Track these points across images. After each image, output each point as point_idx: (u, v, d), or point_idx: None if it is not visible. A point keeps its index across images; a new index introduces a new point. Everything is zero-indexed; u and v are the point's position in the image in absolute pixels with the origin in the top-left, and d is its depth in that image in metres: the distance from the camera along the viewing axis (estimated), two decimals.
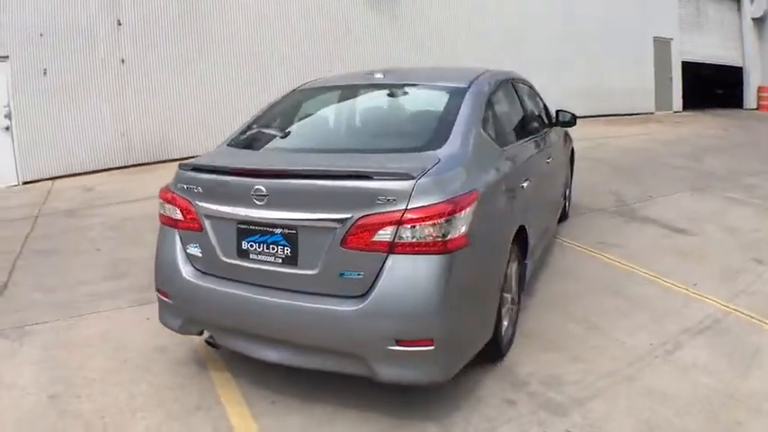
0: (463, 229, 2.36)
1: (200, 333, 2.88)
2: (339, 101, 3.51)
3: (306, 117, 3.37)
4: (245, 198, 2.50)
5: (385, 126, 3.12)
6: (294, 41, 10.05)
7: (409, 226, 2.26)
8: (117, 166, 8.92)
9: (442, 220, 2.28)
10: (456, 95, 3.05)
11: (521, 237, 3.19)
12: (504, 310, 2.98)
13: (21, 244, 5.47)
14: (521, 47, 12.24)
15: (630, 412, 2.58)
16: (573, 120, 4.76)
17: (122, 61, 8.93)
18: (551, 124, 4.65)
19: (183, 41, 9.19)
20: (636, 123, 12.60)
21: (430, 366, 2.35)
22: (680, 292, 3.86)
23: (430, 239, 2.27)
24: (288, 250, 2.50)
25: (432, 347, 2.31)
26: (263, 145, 3.04)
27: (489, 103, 3.19)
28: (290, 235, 2.48)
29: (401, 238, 2.27)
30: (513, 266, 3.07)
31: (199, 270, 2.75)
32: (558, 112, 4.74)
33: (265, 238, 2.53)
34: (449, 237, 2.30)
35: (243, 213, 2.53)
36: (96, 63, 8.68)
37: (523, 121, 3.84)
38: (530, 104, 4.09)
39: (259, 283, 2.58)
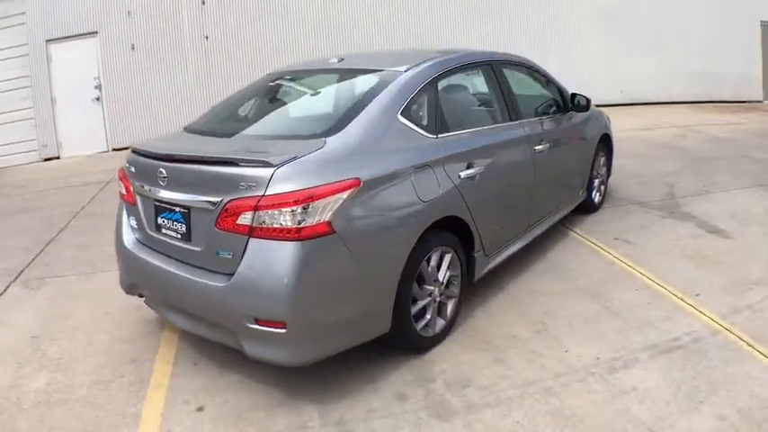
0: (324, 218, 2.29)
1: (141, 296, 3.08)
2: (279, 87, 3.47)
3: (246, 102, 3.37)
4: (155, 179, 2.68)
5: (301, 112, 3.04)
6: (371, 16, 9.90)
7: (265, 212, 2.27)
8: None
9: (298, 207, 2.25)
10: (384, 81, 2.93)
11: (460, 229, 2.98)
12: (423, 304, 2.82)
13: (82, 206, 6.09)
14: (620, 29, 11.05)
15: (519, 430, 2.26)
16: (587, 105, 4.29)
17: (206, 38, 9.41)
18: (564, 109, 4.21)
19: (260, 18, 9.44)
20: (740, 112, 10.83)
21: (283, 348, 2.36)
22: (673, 301, 3.31)
23: (284, 226, 2.26)
24: (184, 227, 2.64)
25: (284, 330, 2.31)
26: (200, 129, 3.11)
27: (429, 88, 3.00)
28: (185, 214, 2.61)
29: (259, 222, 2.29)
30: (437, 259, 2.86)
31: (137, 240, 2.98)
32: (573, 96, 4.24)
33: (170, 215, 2.69)
34: (304, 224, 2.27)
35: (155, 192, 2.72)
36: (181, 39, 9.25)
37: (497, 106, 3.52)
38: (517, 88, 3.67)
39: (168, 254, 2.76)
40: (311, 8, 9.63)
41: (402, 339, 2.76)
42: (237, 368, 2.82)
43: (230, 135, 2.91)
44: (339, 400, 2.56)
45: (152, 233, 2.81)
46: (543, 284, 3.61)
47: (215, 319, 2.52)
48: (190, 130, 3.13)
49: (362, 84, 3.01)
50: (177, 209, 2.62)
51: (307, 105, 3.06)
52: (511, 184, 3.44)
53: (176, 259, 2.68)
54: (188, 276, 2.55)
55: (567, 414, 2.37)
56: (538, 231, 3.89)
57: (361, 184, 2.40)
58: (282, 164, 2.30)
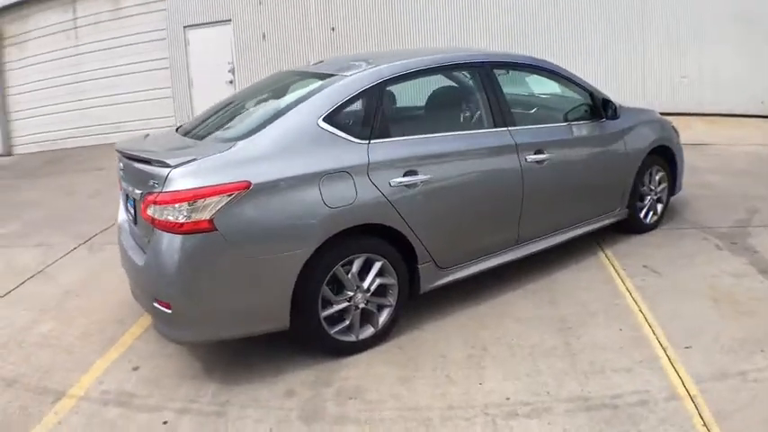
0: (206, 216, 2.40)
1: None
2: (261, 90, 3.47)
3: (228, 105, 3.41)
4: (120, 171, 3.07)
5: (250, 115, 3.04)
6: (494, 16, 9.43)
7: (161, 206, 2.45)
8: None
9: (183, 204, 2.40)
10: (322, 86, 2.91)
11: (399, 239, 2.86)
12: (339, 308, 2.77)
13: None
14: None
15: None
16: (615, 112, 3.76)
17: (332, 29, 9.85)
18: (592, 116, 3.71)
19: (388, 12, 9.52)
20: None
21: (171, 326, 2.58)
22: (652, 350, 2.75)
23: (171, 220, 2.42)
24: (134, 213, 2.96)
25: (170, 311, 2.52)
26: (185, 131, 3.24)
27: (370, 93, 2.89)
28: (135, 202, 2.89)
29: (158, 215, 2.47)
30: (361, 265, 2.76)
31: (128, 221, 3.34)
32: (605, 102, 3.72)
33: (130, 202, 3.04)
34: (187, 220, 2.40)
35: (123, 182, 3.08)
36: (308, 30, 9.80)
37: (470, 111, 3.23)
38: (517, 93, 3.26)
39: (130, 234, 3.12)
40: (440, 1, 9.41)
41: (311, 339, 2.76)
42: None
43: (203, 138, 3.01)
44: (237, 384, 2.67)
45: (128, 216, 3.18)
46: (520, 306, 3.26)
47: (142, 296, 2.80)
48: (180, 131, 3.31)
49: (304, 88, 2.99)
50: (130, 197, 2.95)
51: (260, 109, 3.09)
52: (482, 195, 3.15)
53: (132, 239, 3.03)
54: (131, 254, 2.86)
55: None
56: (537, 247, 3.50)
57: (252, 186, 2.46)
58: (178, 165, 2.47)
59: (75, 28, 9.93)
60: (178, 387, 2.69)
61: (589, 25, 8.88)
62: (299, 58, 9.65)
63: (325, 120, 2.73)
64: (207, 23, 9.82)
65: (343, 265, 2.73)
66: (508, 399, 2.45)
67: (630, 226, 4.16)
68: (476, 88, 3.26)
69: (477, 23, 9.16)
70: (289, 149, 2.62)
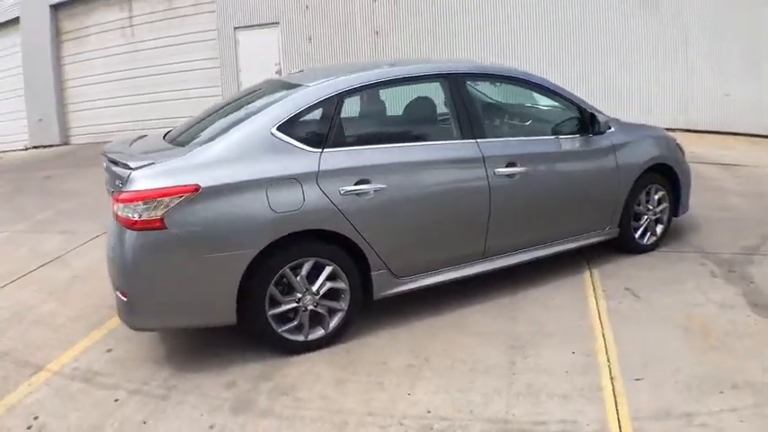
0: (157, 215, 2.58)
1: None
2: (238, 98, 3.60)
3: (209, 112, 3.51)
4: None
5: (221, 123, 3.13)
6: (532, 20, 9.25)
7: (122, 204, 2.65)
8: None
9: (138, 204, 2.60)
10: (285, 95, 3.04)
11: (351, 246, 2.94)
12: (286, 308, 2.88)
13: None
14: None
15: None
16: (600, 127, 3.63)
17: (376, 33, 10.00)
18: (578, 130, 3.61)
19: (431, 17, 9.52)
20: None
21: (128, 313, 2.77)
22: (596, 378, 2.64)
23: (129, 217, 2.63)
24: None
25: (126, 300, 2.73)
26: (171, 138, 3.32)
27: (328, 103, 2.99)
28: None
29: (120, 212, 2.68)
30: (309, 268, 2.86)
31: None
32: (592, 116, 3.61)
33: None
34: (139, 218, 2.60)
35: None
36: (353, 34, 9.98)
37: (434, 122, 3.26)
38: (490, 104, 3.23)
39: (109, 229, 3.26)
40: (483, 6, 9.35)
41: (259, 336, 2.89)
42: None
43: (181, 143, 3.12)
44: (189, 371, 2.85)
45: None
46: (479, 321, 3.23)
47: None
48: (167, 136, 3.42)
49: (270, 98, 3.12)
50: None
51: (231, 117, 3.19)
52: (442, 207, 3.15)
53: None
54: (107, 247, 3.03)
55: None
56: (509, 262, 3.46)
57: (201, 190, 2.63)
58: (138, 168, 2.67)
59: (132, 26, 10.65)
60: (137, 369, 2.90)
61: (637, 41, 8.56)
62: (343, 60, 9.86)
63: (279, 129, 2.85)
64: (256, 25, 10.22)
65: (292, 268, 2.84)
66: (429, 412, 2.46)
67: (624, 246, 4.00)
68: (443, 100, 3.27)
69: (524, 24, 9.02)
70: (241, 156, 2.77)
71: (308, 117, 2.96)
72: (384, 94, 3.29)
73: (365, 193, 2.90)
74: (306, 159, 2.84)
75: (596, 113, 3.64)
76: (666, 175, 4.07)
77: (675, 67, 8.44)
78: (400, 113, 3.40)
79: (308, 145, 2.88)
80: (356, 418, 2.44)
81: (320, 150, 2.89)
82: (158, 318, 2.76)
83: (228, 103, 3.52)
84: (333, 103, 2.98)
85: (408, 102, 3.39)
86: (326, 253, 2.88)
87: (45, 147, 11.30)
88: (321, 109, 2.98)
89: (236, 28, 10.31)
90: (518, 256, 3.49)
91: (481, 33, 9.21)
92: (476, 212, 3.24)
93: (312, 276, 2.90)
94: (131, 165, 2.69)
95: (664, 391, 2.54)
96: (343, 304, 2.99)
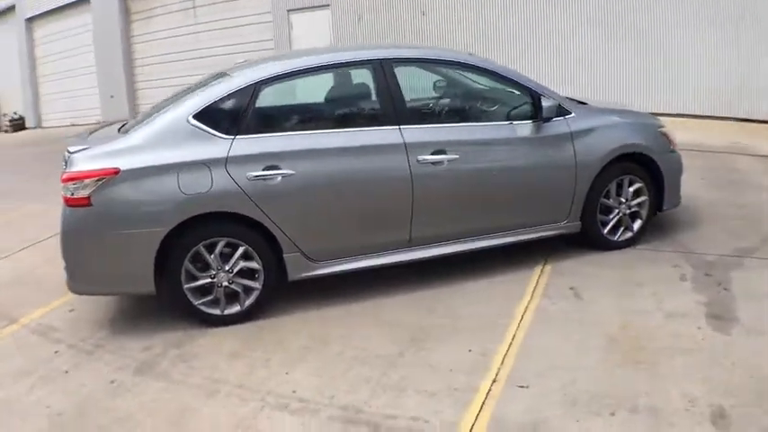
0: (82, 193, 2.90)
1: None
2: (185, 89, 3.67)
3: (161, 102, 3.64)
4: None
5: (158, 112, 3.29)
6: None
7: (63, 184, 2.99)
8: None
9: (71, 183, 2.94)
10: (209, 84, 3.22)
11: (260, 227, 3.08)
12: (202, 283, 3.10)
13: None
14: None
15: (152, 404, 2.50)
16: (548, 113, 3.39)
17: (423, 14, 9.88)
18: (527, 116, 3.44)
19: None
20: None
21: (68, 280, 3.13)
22: (477, 380, 2.56)
23: (66, 195, 2.98)
24: None
25: (65, 267, 3.10)
26: (125, 127, 3.51)
27: (244, 92, 3.13)
28: None
29: (62, 191, 3.02)
30: (222, 247, 3.06)
31: None
32: (539, 98, 3.39)
33: None
34: (71, 196, 2.95)
35: None
36: (401, 13, 9.93)
37: (353, 109, 3.31)
38: (424, 89, 3.19)
39: None
40: None
41: (180, 308, 3.15)
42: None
43: (127, 132, 3.32)
44: (121, 333, 3.20)
45: None
46: (394, 310, 3.24)
47: None
48: (122, 128, 3.56)
49: (200, 86, 3.30)
50: None
51: (168, 107, 3.32)
52: (358, 193, 3.17)
53: None
54: None
55: (186, 414, 2.46)
56: (440, 252, 3.41)
57: (120, 172, 2.90)
58: (75, 152, 2.99)
59: (194, 7, 11.34)
60: (83, 328, 3.30)
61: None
62: (390, 39, 9.86)
63: (195, 117, 3.04)
64: (308, 7, 10.48)
65: (207, 246, 3.05)
66: (294, 392, 2.57)
67: (591, 242, 3.75)
68: (367, 86, 3.25)
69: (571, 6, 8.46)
70: (161, 143, 3.01)
71: (224, 106, 3.11)
72: (309, 81, 3.33)
73: (272, 178, 3.02)
74: (217, 146, 3.01)
75: (546, 98, 3.40)
76: (646, 166, 3.74)
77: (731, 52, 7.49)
78: (321, 100, 3.44)
79: (221, 132, 3.04)
80: (227, 389, 2.61)
81: (232, 137, 3.04)
82: (91, 285, 3.11)
83: (178, 94, 3.73)
84: (249, 93, 3.11)
85: (331, 88, 3.42)
86: (237, 234, 3.05)
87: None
88: (237, 98, 3.12)
89: (289, 10, 10.64)
90: (451, 247, 3.42)
91: (529, 9, 8.73)
92: (396, 200, 3.22)
93: (228, 255, 3.10)
94: (70, 149, 3.03)
95: (544, 403, 2.40)
96: (258, 284, 3.16)
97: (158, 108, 3.48)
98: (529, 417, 2.32)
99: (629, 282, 3.40)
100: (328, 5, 10.27)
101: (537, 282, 3.46)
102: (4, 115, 14.89)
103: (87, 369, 2.88)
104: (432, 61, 3.56)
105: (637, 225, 3.81)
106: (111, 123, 3.88)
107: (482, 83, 3.60)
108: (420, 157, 3.20)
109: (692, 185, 4.99)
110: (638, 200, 3.77)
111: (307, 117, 3.45)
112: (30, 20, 14.21)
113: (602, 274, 3.51)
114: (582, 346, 2.78)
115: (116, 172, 2.90)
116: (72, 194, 2.92)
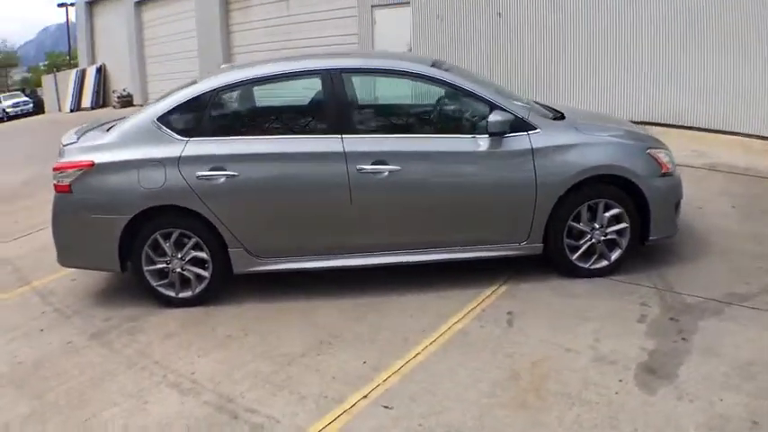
0: (65, 182, 3.44)
1: None
2: (169, 91, 3.99)
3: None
4: None
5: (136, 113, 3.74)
6: None
7: (54, 172, 3.54)
8: None
9: (57, 172, 3.49)
10: (178, 90, 3.59)
11: (203, 221, 3.41)
12: (159, 267, 3.52)
13: None
14: None
15: (88, 366, 2.96)
16: (498, 128, 3.25)
17: (499, 15, 9.61)
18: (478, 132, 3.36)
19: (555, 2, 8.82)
20: None
21: (57, 255, 3.68)
22: (347, 391, 2.64)
23: (54, 182, 3.52)
24: None
25: (54, 243, 3.67)
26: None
27: (202, 99, 3.46)
28: None
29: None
30: (176, 237, 3.43)
31: None
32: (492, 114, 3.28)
33: None
34: (58, 183, 3.49)
35: None
36: (477, 14, 9.73)
37: (299, 117, 3.51)
38: (372, 100, 3.27)
39: None
40: None
41: (143, 287, 3.59)
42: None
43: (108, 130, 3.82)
44: (98, 304, 3.73)
45: None
46: (324, 313, 3.37)
47: None
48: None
49: (173, 91, 3.67)
50: None
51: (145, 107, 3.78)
52: (297, 198, 3.36)
53: None
54: None
55: (105, 378, 2.84)
56: (383, 261, 3.48)
57: (94, 165, 3.40)
58: (66, 145, 3.55)
59: (287, 0, 12.06)
60: (73, 296, 3.90)
61: None
62: (468, 41, 9.72)
63: (158, 119, 3.45)
64: (391, 4, 10.67)
65: (164, 235, 3.45)
66: (192, 374, 2.89)
67: (558, 266, 3.54)
68: (314, 95, 3.40)
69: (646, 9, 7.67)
70: (129, 141, 3.46)
71: (183, 110, 3.49)
72: (263, 90, 3.60)
73: (216, 178, 3.32)
74: (173, 146, 3.39)
75: (499, 112, 3.28)
76: (628, 190, 3.42)
77: None
78: (270, 108, 3.62)
79: (178, 134, 3.42)
80: (145, 363, 3.01)
81: (187, 139, 3.40)
82: (72, 260, 3.69)
83: (162, 96, 4.10)
84: (204, 99, 3.46)
85: (281, 97, 3.59)
86: (189, 227, 3.42)
87: None
88: (194, 104, 3.48)
89: (373, 6, 10.89)
90: (395, 257, 3.46)
91: (604, 12, 8.04)
92: (335, 207, 3.35)
93: (183, 245, 3.47)
94: (63, 142, 3.60)
95: (396, 427, 2.42)
96: (207, 273, 3.50)
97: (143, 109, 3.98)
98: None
99: (578, 314, 3.18)
100: (409, 3, 10.37)
101: (481, 302, 3.38)
102: (114, 92, 16.79)
103: (58, 330, 3.47)
104: (381, 71, 3.63)
105: (615, 254, 3.51)
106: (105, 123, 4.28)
107: (444, 94, 3.55)
108: (359, 167, 3.29)
109: (718, 213, 4.46)
110: (617, 227, 3.47)
111: (255, 124, 3.71)
112: (138, 3, 15.96)
113: (554, 303, 3.33)
114: (476, 378, 2.71)
115: (91, 165, 3.41)
116: (58, 182, 3.49)
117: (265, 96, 3.75)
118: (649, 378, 2.62)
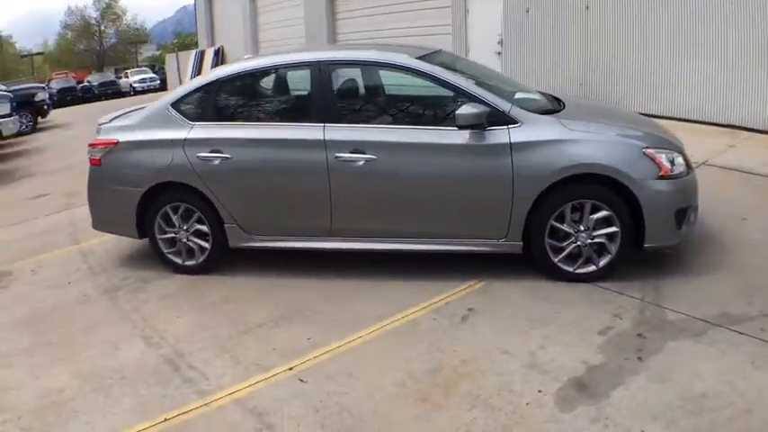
0: (97, 156, 4.07)
1: None
2: None
3: None
4: None
5: None
6: None
7: (88, 148, 4.18)
8: None
9: (91, 148, 4.11)
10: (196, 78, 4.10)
11: (203, 197, 3.79)
12: (169, 237, 3.97)
13: None
14: None
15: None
16: (468, 120, 3.21)
17: (586, 7, 9.06)
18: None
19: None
20: None
21: (92, 220, 4.30)
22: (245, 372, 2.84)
23: (89, 157, 4.14)
24: None
25: (89, 209, 4.30)
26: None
27: (209, 88, 3.86)
28: None
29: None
30: (184, 211, 3.86)
31: None
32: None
33: None
34: (91, 157, 4.12)
35: None
36: (565, 7, 9.24)
37: (285, 106, 3.79)
38: (354, 91, 3.65)
39: None
40: None
41: (156, 253, 4.08)
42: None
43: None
44: (122, 265, 4.30)
45: None
46: (305, 291, 3.56)
47: None
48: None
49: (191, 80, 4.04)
50: None
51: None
52: (282, 181, 3.61)
53: None
54: None
55: (100, 326, 3.33)
56: (361, 246, 3.62)
57: (118, 143, 3.96)
58: (101, 125, 4.17)
59: None
60: (106, 257, 4.52)
61: None
62: (555, 33, 9.32)
63: (172, 105, 3.92)
64: None
65: (173, 208, 3.91)
66: (164, 330, 3.29)
67: (541, 267, 3.40)
68: (303, 86, 3.64)
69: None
70: (147, 123, 3.98)
71: (192, 97, 3.93)
72: (262, 80, 3.94)
73: (213, 159, 3.70)
74: (181, 130, 3.83)
75: (471, 104, 3.23)
76: (619, 191, 3.18)
77: None
78: (265, 97, 3.92)
79: (187, 119, 3.86)
80: (135, 318, 3.50)
81: (193, 124, 3.82)
82: (102, 225, 4.29)
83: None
84: (210, 88, 3.88)
85: (274, 87, 3.89)
86: (193, 202, 3.84)
87: None
88: (201, 92, 3.91)
89: None
90: (372, 244, 3.59)
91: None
92: (316, 192, 3.56)
93: (188, 218, 3.90)
94: (99, 122, 4.22)
95: (301, 399, 2.57)
96: (208, 245, 3.91)
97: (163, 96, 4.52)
98: (276, 403, 2.57)
99: (539, 318, 3.07)
100: None
101: (450, 296, 3.38)
102: None
103: (82, 284, 4.12)
104: (366, 63, 3.80)
105: (604, 260, 3.29)
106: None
107: (425, 86, 3.53)
108: (338, 155, 3.46)
109: (760, 226, 3.94)
110: (605, 230, 3.25)
111: (250, 111, 4.01)
112: None
113: (522, 304, 3.23)
114: (397, 367, 2.76)
115: (115, 143, 3.99)
116: (92, 156, 4.12)
117: (261, 86, 4.08)
118: (574, 394, 2.48)
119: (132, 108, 4.61)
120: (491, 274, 3.55)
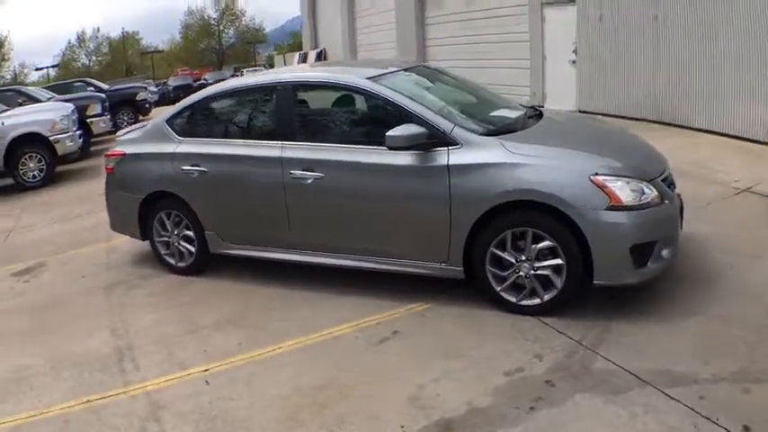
0: (111, 165, 4.72)
1: None
2: None
3: None
4: None
5: None
6: None
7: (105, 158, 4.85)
8: (645, 118, 8.96)
9: (107, 158, 4.75)
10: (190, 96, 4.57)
11: (187, 206, 4.23)
12: (164, 240, 4.48)
13: None
14: None
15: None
16: (398, 142, 3.26)
17: (655, 18, 8.40)
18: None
19: (708, 6, 7.35)
20: None
21: (109, 222, 4.94)
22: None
23: (105, 165, 4.79)
24: None
25: (107, 212, 4.95)
26: None
27: (195, 106, 4.34)
28: None
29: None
30: (173, 217, 4.32)
31: None
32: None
33: None
34: (107, 166, 4.78)
35: None
36: (636, 16, 8.67)
37: (252, 124, 4.09)
38: (316, 111, 3.92)
39: None
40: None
41: (155, 255, 4.59)
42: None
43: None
44: (130, 264, 4.83)
45: None
46: (259, 298, 3.81)
47: None
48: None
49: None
50: None
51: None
52: (246, 195, 3.95)
53: None
54: None
55: (88, 314, 3.87)
56: (315, 260, 3.80)
57: (125, 155, 4.57)
58: (120, 136, 4.79)
59: None
60: (125, 255, 5.11)
61: None
62: (628, 43, 8.83)
63: (166, 121, 4.43)
64: (559, 2, 10.17)
65: (167, 214, 4.40)
66: (130, 324, 3.72)
67: (487, 295, 3.32)
68: (270, 106, 3.96)
69: None
70: (148, 138, 4.52)
71: (184, 115, 4.41)
72: (240, 99, 4.28)
73: (193, 172, 4.13)
74: (171, 145, 4.33)
75: (407, 126, 3.26)
76: (566, 221, 3.02)
77: None
78: (238, 116, 4.27)
79: (176, 134, 4.34)
80: (115, 311, 4.01)
81: (181, 139, 4.30)
82: (116, 227, 4.90)
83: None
84: (196, 107, 4.35)
85: (248, 106, 4.22)
86: (181, 210, 4.30)
87: None
88: (189, 110, 4.39)
89: (543, 3, 10.51)
90: (323, 259, 3.78)
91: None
92: (274, 206, 3.84)
93: (178, 224, 4.37)
94: (117, 135, 4.82)
95: (195, 398, 2.83)
96: (194, 249, 4.35)
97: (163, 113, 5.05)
98: (175, 400, 2.86)
99: (454, 351, 3.02)
100: (574, 2, 9.71)
101: (385, 316, 3.43)
102: None
103: (94, 279, 4.76)
104: (320, 85, 3.99)
105: (549, 294, 3.15)
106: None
107: (375, 105, 3.69)
108: (292, 172, 3.71)
109: None
110: (549, 262, 3.10)
111: (224, 129, 4.35)
112: None
113: (450, 333, 3.21)
114: (289, 383, 2.88)
115: (123, 155, 4.60)
116: (107, 165, 4.78)
117: (235, 106, 4.40)
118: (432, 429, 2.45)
119: (143, 124, 5.25)
120: (441, 298, 3.55)
